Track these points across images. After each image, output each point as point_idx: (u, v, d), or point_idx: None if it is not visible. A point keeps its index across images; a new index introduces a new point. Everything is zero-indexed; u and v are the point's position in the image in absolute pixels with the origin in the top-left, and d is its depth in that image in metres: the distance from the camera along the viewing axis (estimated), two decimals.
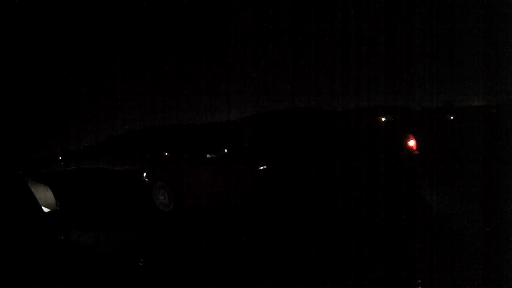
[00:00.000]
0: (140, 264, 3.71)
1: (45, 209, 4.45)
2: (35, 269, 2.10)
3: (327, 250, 3.61)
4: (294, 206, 4.94)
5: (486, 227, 3.87)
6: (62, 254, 2.46)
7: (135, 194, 5.80)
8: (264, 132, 5.61)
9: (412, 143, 5.07)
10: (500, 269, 3.05)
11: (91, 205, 5.08)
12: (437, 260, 3.22)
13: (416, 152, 5.11)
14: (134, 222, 5.34)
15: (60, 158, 8.88)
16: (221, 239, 4.22)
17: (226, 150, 5.43)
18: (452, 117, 12.04)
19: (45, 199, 4.62)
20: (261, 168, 5.11)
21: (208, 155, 5.47)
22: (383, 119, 10.93)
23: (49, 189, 4.65)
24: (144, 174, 5.99)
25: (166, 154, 6.90)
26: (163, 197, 5.68)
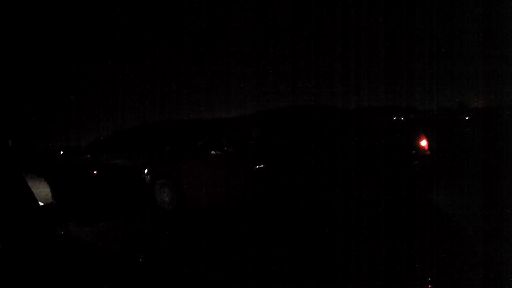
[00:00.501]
0: (140, 260, 3.67)
1: (40, 203, 4.38)
2: (29, 264, 2.00)
3: (327, 250, 3.61)
4: (300, 206, 4.81)
5: (487, 227, 3.84)
6: (58, 249, 2.38)
7: (136, 191, 5.71)
8: (270, 130, 5.46)
9: (424, 143, 4.91)
10: (500, 269, 3.04)
11: (89, 200, 5.01)
12: (437, 260, 3.21)
13: (428, 153, 4.94)
14: (134, 219, 5.28)
15: (61, 153, 8.87)
16: (221, 238, 4.22)
17: (231, 148, 5.31)
18: (467, 118, 11.79)
19: (41, 192, 4.54)
20: (265, 166, 4.98)
21: (212, 152, 5.35)
22: (394, 118, 10.81)
23: (45, 182, 4.57)
24: (146, 171, 5.89)
25: (168, 150, 6.79)
26: (164, 195, 5.58)
